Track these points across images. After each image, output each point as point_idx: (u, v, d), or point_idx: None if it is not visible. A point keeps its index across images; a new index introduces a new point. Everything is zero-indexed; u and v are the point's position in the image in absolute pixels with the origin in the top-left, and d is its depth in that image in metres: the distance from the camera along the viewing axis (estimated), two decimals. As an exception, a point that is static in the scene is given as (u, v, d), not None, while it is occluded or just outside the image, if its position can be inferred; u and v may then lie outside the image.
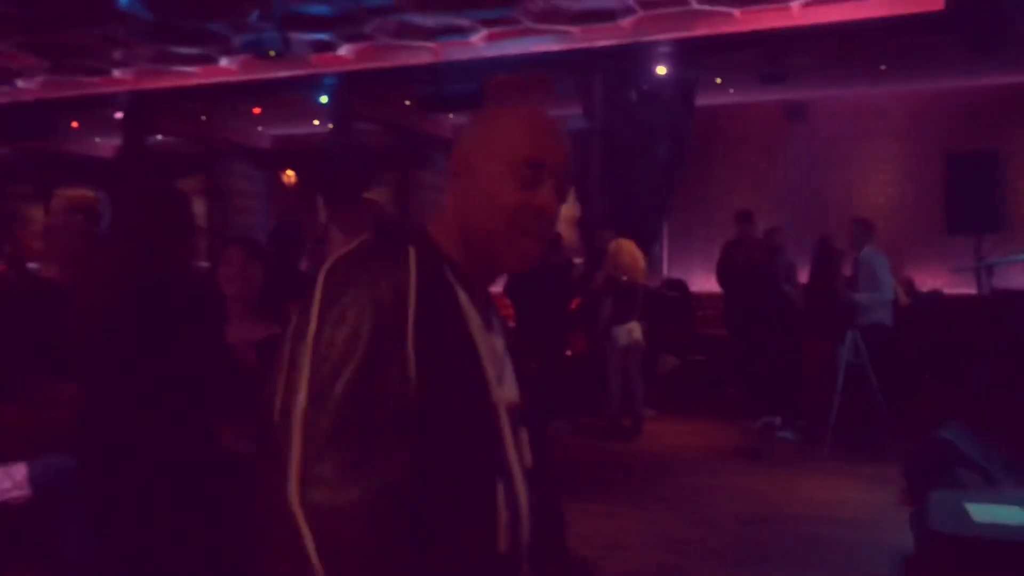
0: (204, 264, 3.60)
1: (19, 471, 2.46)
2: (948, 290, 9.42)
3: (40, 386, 2.81)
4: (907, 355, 8.10)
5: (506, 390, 1.27)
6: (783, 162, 11.38)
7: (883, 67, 9.58)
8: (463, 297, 1.26)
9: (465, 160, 1.31)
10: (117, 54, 9.97)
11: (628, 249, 7.53)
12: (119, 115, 11.45)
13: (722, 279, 8.54)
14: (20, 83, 11.33)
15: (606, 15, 8.66)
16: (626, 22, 8.82)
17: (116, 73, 10.90)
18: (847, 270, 7.58)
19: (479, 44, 9.49)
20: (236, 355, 2.79)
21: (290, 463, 1.09)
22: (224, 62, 10.34)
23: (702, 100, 9.59)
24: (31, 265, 4.19)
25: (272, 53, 7.62)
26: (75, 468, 2.53)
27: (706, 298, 10.63)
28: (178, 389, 2.35)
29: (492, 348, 1.27)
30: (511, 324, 1.29)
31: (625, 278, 7.40)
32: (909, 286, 9.41)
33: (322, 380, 1.12)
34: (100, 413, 2.39)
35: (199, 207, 14.61)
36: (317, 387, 1.12)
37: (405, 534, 1.11)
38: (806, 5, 8.25)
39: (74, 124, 12.72)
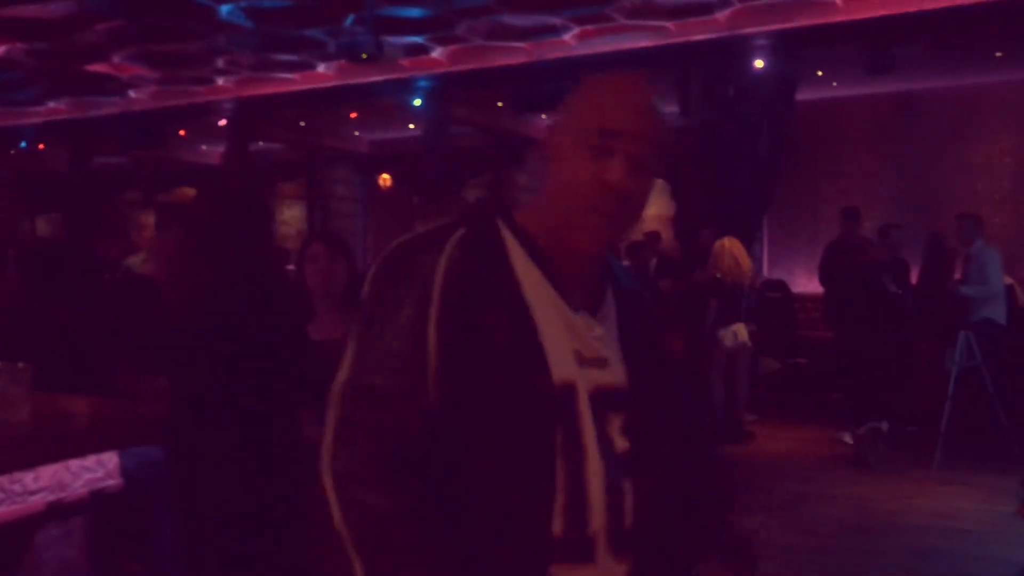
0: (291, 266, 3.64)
1: (111, 460, 2.51)
2: (1073, 290, 8.84)
3: (135, 379, 2.87)
4: (1026, 359, 7.61)
5: (605, 372, 1.20)
6: (891, 157, 10.90)
7: (998, 54, 9.07)
8: (528, 273, 1.20)
9: (550, 141, 1.26)
10: (220, 63, 10.30)
11: (731, 250, 7.37)
12: (223, 122, 11.84)
13: (826, 279, 8.24)
14: (132, 94, 11.84)
15: (702, 8, 8.46)
16: (722, 15, 8.60)
17: (220, 82, 11.27)
18: (959, 269, 7.21)
19: (572, 43, 9.41)
20: (320, 351, 2.80)
21: (326, 434, 1.15)
22: (321, 68, 10.56)
23: (803, 94, 9.26)
24: (131, 262, 4.33)
25: (364, 56, 7.72)
26: (165, 460, 2.57)
27: (808, 299, 10.28)
28: (263, 384, 2.37)
29: (571, 326, 1.20)
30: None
31: (726, 278, 7.24)
32: (1029, 286, 8.88)
33: (361, 363, 1.17)
34: (188, 407, 2.43)
35: (299, 211, 15.00)
36: (354, 370, 1.17)
37: (429, 509, 1.12)
38: (915, -10, 7.88)
39: (181, 132, 13.22)
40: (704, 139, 9.05)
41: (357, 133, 14.11)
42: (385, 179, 14.36)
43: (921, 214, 9.88)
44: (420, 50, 9.69)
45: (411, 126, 12.31)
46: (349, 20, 8.45)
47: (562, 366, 1.17)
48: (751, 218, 9.11)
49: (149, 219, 15.28)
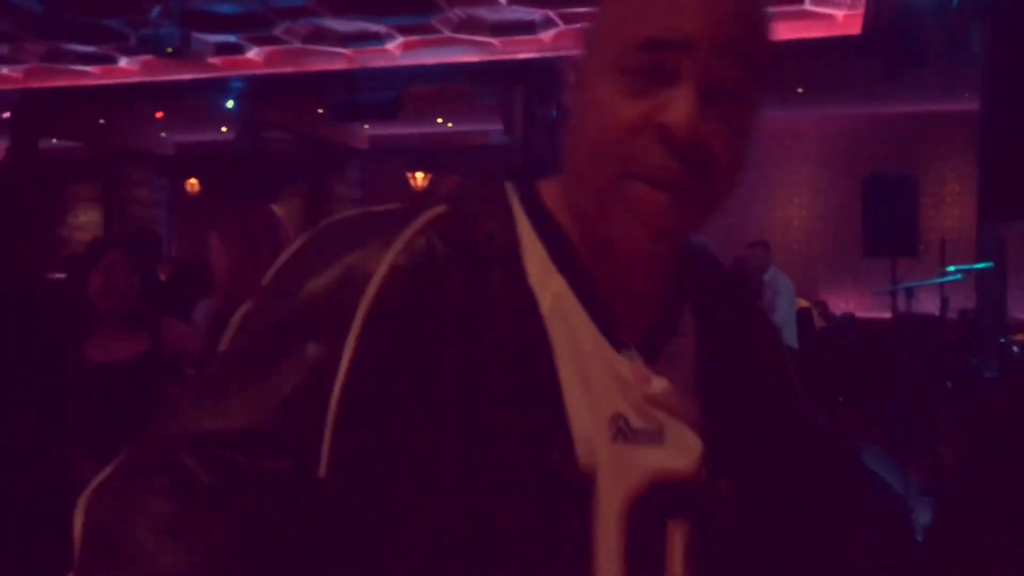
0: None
1: None
2: (861, 313, 9.50)
3: None
4: (821, 378, 8.07)
5: (663, 452, 0.75)
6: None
7: (800, 90, 9.64)
8: (547, 284, 0.75)
9: (578, 65, 0.78)
10: (3, 49, 9.33)
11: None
12: (6, 115, 10.74)
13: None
14: None
15: (526, 27, 8.46)
16: (547, 35, 8.65)
17: (3, 70, 10.22)
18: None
19: (395, 52, 9.18)
20: (98, 375, 2.44)
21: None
22: (124, 62, 9.78)
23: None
24: None
25: (169, 50, 7.16)
26: None
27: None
28: (10, 406, 2.01)
29: (610, 375, 0.74)
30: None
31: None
32: (823, 309, 9.45)
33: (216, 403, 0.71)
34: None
35: (95, 215, 13.89)
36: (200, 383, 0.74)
37: None
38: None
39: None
40: (524, 158, 9.07)
41: (163, 134, 13.23)
42: (192, 184, 13.54)
43: (723, 240, 10.32)
44: (234, 49, 9.16)
45: (224, 129, 11.65)
46: (155, 12, 7.84)
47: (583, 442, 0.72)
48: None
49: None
